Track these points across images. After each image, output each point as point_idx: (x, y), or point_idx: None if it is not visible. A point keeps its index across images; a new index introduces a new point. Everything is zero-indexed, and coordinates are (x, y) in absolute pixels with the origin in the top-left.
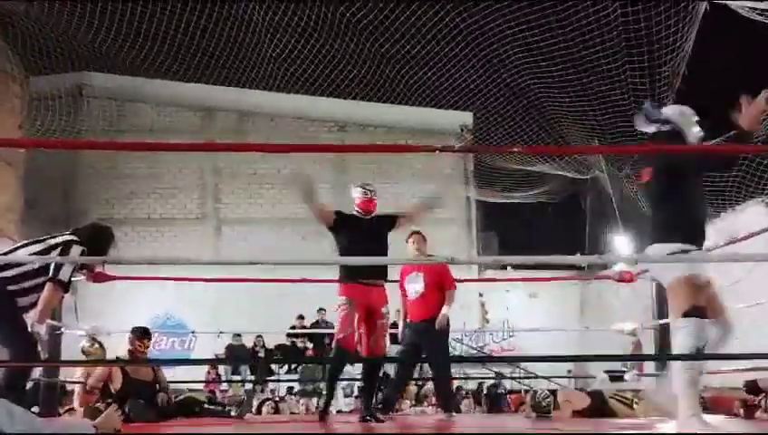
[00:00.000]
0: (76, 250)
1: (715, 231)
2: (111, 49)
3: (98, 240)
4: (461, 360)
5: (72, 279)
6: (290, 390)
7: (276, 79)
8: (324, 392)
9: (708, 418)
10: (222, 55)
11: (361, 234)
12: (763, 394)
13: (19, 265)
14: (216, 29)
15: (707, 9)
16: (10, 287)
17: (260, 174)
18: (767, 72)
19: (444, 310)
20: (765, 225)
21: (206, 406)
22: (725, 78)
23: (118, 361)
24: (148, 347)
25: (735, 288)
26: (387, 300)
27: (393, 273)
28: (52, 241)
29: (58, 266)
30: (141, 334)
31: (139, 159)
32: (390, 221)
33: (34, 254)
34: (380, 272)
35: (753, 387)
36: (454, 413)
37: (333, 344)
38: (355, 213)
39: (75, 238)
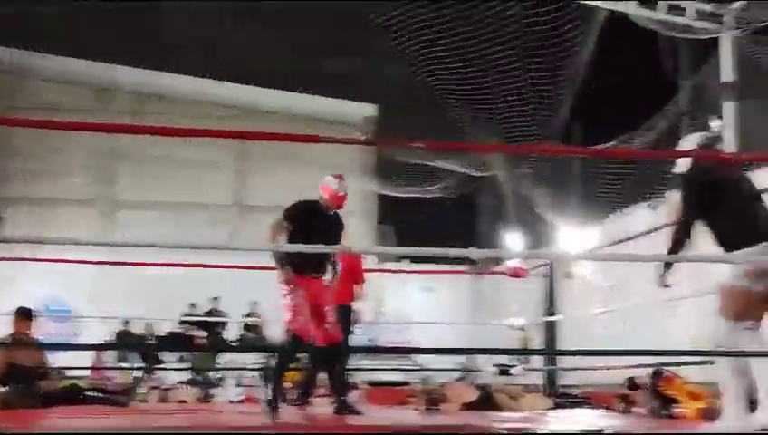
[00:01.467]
0: None
1: (602, 232)
2: (3, 21)
3: None
4: (355, 351)
5: None
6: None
7: (178, 61)
8: (203, 381)
9: (589, 412)
10: (121, 34)
11: (323, 227)
12: (642, 390)
13: None
14: (116, 6)
15: (606, 16)
16: None
17: (158, 156)
18: (662, 76)
19: (358, 306)
20: (649, 227)
21: (90, 393)
22: (624, 82)
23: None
24: (31, 329)
25: (618, 288)
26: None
27: None
28: None
29: None
30: (24, 316)
31: (31, 137)
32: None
33: None
34: (325, 265)
35: (633, 383)
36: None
37: (288, 333)
38: (320, 202)
39: None
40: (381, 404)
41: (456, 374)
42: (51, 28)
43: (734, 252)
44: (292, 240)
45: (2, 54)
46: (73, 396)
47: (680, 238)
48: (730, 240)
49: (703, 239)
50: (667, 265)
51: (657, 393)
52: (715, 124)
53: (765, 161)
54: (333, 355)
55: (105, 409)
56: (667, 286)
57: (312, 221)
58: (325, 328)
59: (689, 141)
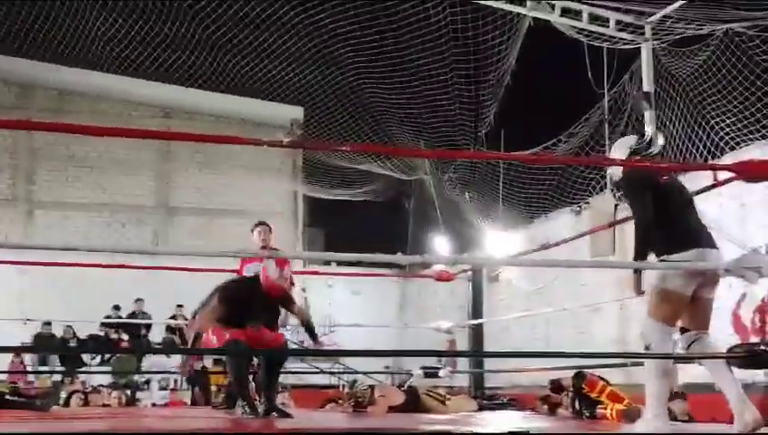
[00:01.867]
0: None
1: (527, 237)
2: None
3: None
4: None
5: None
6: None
7: (100, 58)
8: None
9: (514, 414)
10: (41, 29)
11: (265, 308)
12: (565, 392)
13: None
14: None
15: (531, 24)
16: None
17: (78, 156)
18: (585, 84)
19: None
20: (573, 232)
21: (8, 398)
22: (548, 90)
23: None
24: None
25: (542, 292)
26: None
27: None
28: None
29: None
30: None
31: None
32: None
33: None
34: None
35: (557, 385)
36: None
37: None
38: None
39: None
40: (308, 407)
41: (383, 377)
42: None
43: (670, 256)
44: (226, 322)
45: None
46: None
47: (645, 249)
48: (665, 246)
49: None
50: (637, 272)
51: (581, 395)
52: (648, 130)
53: (692, 170)
54: (279, 357)
55: (25, 414)
56: (642, 293)
57: (252, 304)
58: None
59: (621, 145)
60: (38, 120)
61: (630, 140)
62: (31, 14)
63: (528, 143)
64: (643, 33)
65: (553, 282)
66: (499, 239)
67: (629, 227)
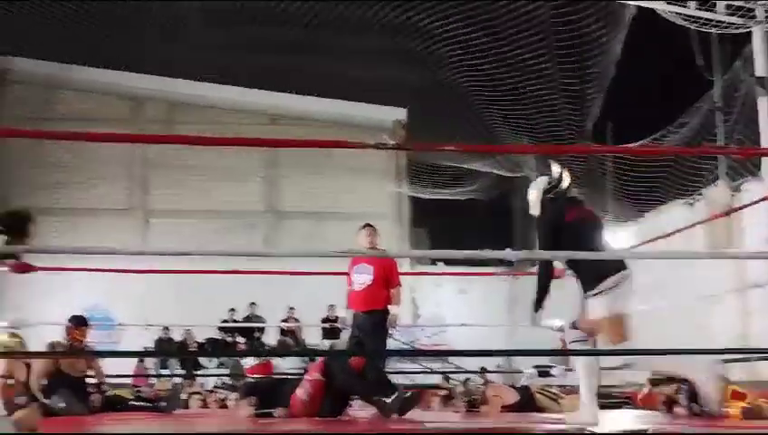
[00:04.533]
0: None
1: (638, 231)
2: (37, 34)
3: (19, 223)
4: (393, 354)
5: None
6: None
7: (207, 69)
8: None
9: (632, 412)
10: (151, 43)
11: None
12: (677, 388)
13: None
14: (146, 16)
15: (635, 14)
16: None
17: (190, 165)
18: (690, 72)
19: (394, 309)
20: (687, 223)
21: (132, 403)
22: (654, 80)
23: (51, 353)
24: (86, 337)
25: (656, 286)
26: None
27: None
28: None
29: None
30: (79, 323)
31: (65, 148)
32: None
33: None
34: None
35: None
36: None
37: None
38: None
39: None
40: (420, 407)
41: (494, 377)
42: (79, 39)
43: (604, 283)
44: None
45: (34, 67)
46: (117, 404)
47: (547, 284)
48: (590, 280)
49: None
50: (539, 305)
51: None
52: (555, 169)
53: None
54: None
55: (152, 416)
56: (540, 326)
57: None
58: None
59: (536, 186)
60: (150, 133)
61: (541, 183)
62: (141, 29)
63: (636, 135)
64: (754, 16)
65: (668, 276)
66: (610, 234)
67: (747, 216)
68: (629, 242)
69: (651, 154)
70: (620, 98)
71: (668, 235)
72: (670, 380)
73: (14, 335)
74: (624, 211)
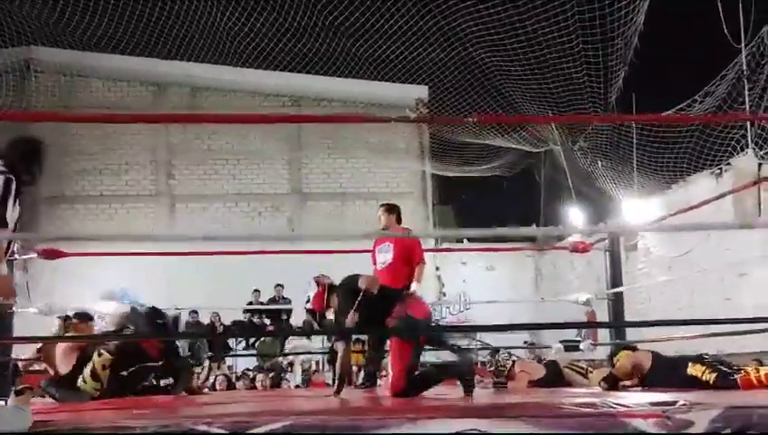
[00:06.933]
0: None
1: (665, 203)
2: (59, 22)
3: (29, 160)
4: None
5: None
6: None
7: (229, 53)
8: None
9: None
10: (173, 28)
11: None
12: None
13: None
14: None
15: None
16: None
17: (213, 149)
18: (715, 44)
19: (414, 286)
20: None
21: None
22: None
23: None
24: (92, 331)
25: (684, 259)
26: None
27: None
28: None
29: None
30: (84, 319)
31: (90, 136)
32: None
33: None
34: None
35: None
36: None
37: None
38: None
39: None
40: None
41: (521, 352)
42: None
43: None
44: None
45: (57, 56)
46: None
47: None
48: None
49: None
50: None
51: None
52: None
53: None
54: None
55: (177, 397)
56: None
57: None
58: None
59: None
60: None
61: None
62: (163, 14)
63: (661, 107)
64: None
65: (695, 248)
66: (636, 206)
67: None
68: (657, 214)
69: (677, 122)
70: (644, 69)
71: (696, 206)
72: None
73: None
74: (650, 183)
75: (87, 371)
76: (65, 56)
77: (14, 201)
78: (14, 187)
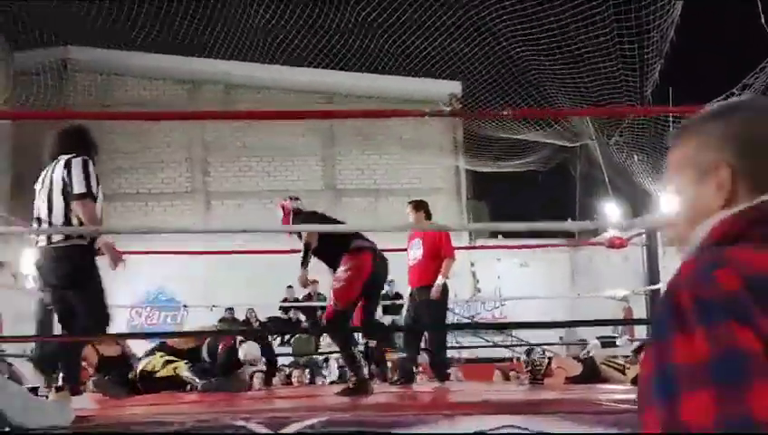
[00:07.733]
0: (78, 162)
1: None
2: (95, 22)
3: (86, 142)
4: (454, 327)
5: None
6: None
7: (262, 50)
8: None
9: None
10: (207, 26)
11: None
12: None
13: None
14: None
15: None
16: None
17: (248, 146)
18: (753, 36)
19: (438, 280)
20: None
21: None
22: (716, 41)
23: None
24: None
25: None
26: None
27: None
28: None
29: (75, 184)
30: None
31: (126, 134)
32: None
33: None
34: None
35: None
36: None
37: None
38: None
39: (71, 155)
40: (481, 380)
41: (557, 349)
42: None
43: None
44: None
45: (92, 55)
46: (175, 382)
47: None
48: None
49: None
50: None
51: None
52: None
53: None
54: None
55: (217, 395)
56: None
57: None
58: None
59: None
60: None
61: None
62: (198, 12)
63: (698, 100)
64: None
65: None
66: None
67: None
68: None
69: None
70: (681, 62)
71: None
72: None
73: None
74: None
75: None
76: (101, 55)
77: (97, 180)
78: (91, 166)
